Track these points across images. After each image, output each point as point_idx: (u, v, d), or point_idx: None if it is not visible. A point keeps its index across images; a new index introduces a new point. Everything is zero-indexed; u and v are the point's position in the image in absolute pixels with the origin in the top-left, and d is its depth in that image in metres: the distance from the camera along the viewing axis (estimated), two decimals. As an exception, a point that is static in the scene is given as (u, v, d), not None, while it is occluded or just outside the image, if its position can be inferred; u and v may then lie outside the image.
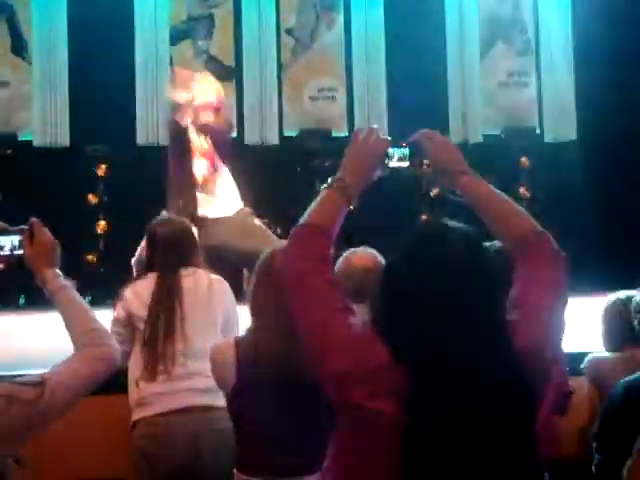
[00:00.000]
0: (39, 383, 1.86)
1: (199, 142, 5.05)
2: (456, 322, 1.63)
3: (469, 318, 1.64)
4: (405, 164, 2.01)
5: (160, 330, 3.30)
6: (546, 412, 1.70)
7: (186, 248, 3.57)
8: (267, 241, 4.59)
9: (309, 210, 1.89)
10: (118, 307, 3.45)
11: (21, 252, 2.12)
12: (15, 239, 2.11)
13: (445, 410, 1.58)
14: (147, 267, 3.56)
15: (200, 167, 5.01)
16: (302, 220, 1.88)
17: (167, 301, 3.35)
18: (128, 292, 3.45)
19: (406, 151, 2.01)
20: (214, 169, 5.07)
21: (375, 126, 2.04)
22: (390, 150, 2.00)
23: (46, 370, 1.96)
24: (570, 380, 2.73)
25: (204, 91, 5.16)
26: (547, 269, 1.84)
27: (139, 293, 3.42)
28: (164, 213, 3.95)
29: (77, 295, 2.12)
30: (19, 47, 8.51)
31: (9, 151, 8.30)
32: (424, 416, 1.58)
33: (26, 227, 2.13)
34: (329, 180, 1.92)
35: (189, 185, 4.94)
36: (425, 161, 2.01)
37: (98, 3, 8.11)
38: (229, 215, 5.04)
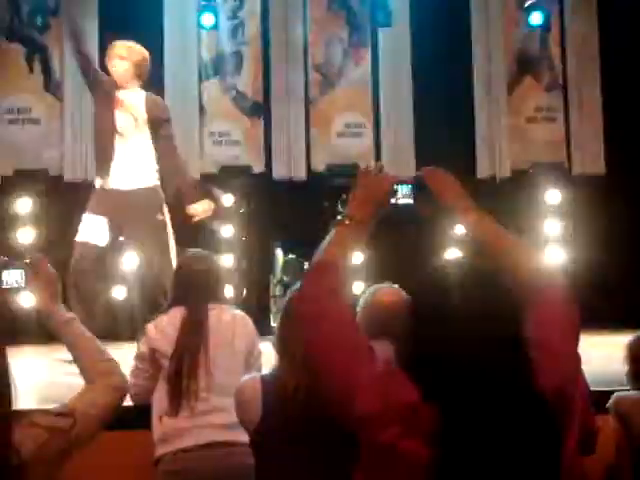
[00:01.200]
0: (69, 413, 1.89)
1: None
2: (485, 361, 1.62)
3: (498, 357, 1.63)
4: (410, 201, 2.02)
5: (184, 366, 3.30)
6: (571, 450, 1.68)
7: (214, 285, 3.59)
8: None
9: (321, 248, 1.90)
10: (142, 343, 3.46)
11: (24, 286, 2.14)
12: (18, 273, 2.13)
13: (476, 449, 1.57)
14: (173, 301, 3.58)
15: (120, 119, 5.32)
16: (315, 258, 1.88)
17: (193, 337, 3.36)
18: (152, 328, 3.47)
19: (410, 188, 2.02)
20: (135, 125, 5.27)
21: (380, 163, 2.06)
22: (395, 187, 2.01)
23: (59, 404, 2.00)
24: (596, 418, 2.69)
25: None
26: (562, 316, 1.83)
27: (163, 329, 3.43)
28: (191, 250, 3.98)
29: (82, 327, 2.15)
30: (51, 85, 8.64)
31: (39, 186, 8.40)
32: (456, 455, 1.57)
33: (28, 261, 2.15)
34: (339, 217, 1.93)
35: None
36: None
37: (128, 39, 8.22)
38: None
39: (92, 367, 2.05)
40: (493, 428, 1.59)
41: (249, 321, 3.59)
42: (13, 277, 2.11)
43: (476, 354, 1.63)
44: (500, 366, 1.63)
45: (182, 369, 3.30)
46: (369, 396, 1.65)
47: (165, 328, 3.43)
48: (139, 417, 3.52)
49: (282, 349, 2.72)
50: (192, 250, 3.90)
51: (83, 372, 2.07)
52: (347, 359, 1.72)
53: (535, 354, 1.71)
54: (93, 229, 5.16)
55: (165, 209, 5.38)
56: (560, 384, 1.68)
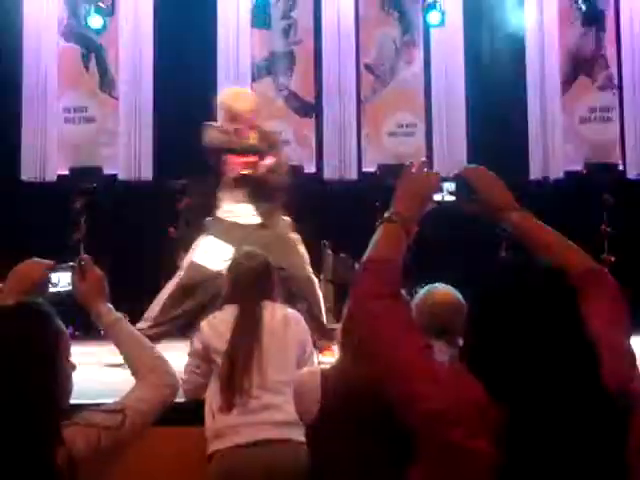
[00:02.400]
0: (120, 410, 1.93)
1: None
2: (553, 359, 1.62)
3: (565, 354, 1.62)
4: (452, 198, 2.02)
5: (238, 363, 3.33)
6: (635, 450, 1.66)
7: (266, 282, 3.62)
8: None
9: (372, 245, 1.89)
10: (196, 340, 3.50)
11: (71, 288, 2.18)
12: (66, 276, 2.17)
13: (544, 449, 1.57)
14: (227, 299, 3.61)
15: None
16: (367, 256, 1.88)
17: (246, 335, 3.39)
18: (205, 325, 3.51)
19: (453, 185, 2.02)
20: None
21: (425, 160, 2.06)
22: (441, 184, 2.02)
23: (102, 401, 2.04)
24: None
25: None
26: (608, 305, 1.82)
27: (217, 326, 3.47)
28: (245, 247, 4.02)
29: (130, 327, 2.20)
30: (107, 84, 8.76)
31: (94, 185, 8.52)
32: (523, 455, 1.57)
33: (76, 264, 2.19)
34: (385, 214, 1.93)
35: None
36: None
37: (182, 41, 8.32)
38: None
39: (141, 365, 2.09)
40: (561, 428, 1.57)
41: (301, 319, 3.61)
42: (62, 279, 2.17)
43: (542, 352, 1.62)
44: (567, 362, 1.61)
45: (236, 366, 3.33)
46: (435, 394, 1.64)
47: (218, 325, 3.47)
48: (192, 413, 3.56)
49: (345, 342, 2.72)
50: (246, 248, 3.93)
51: (133, 370, 2.10)
52: (408, 356, 1.72)
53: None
54: (213, 254, 5.20)
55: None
56: (622, 381, 1.67)
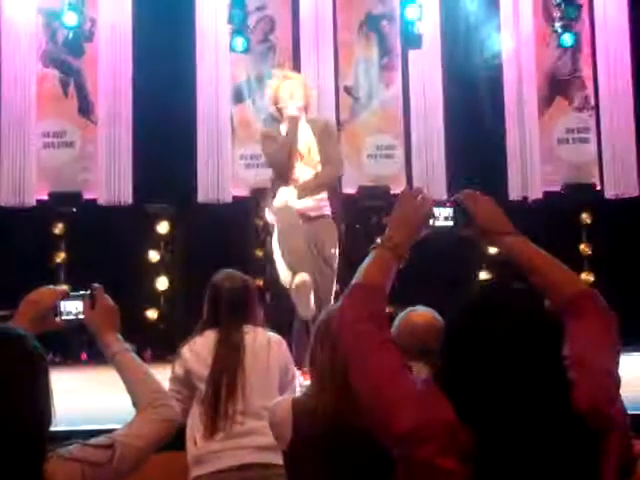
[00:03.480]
0: (109, 445, 1.88)
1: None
2: (521, 382, 1.63)
3: (534, 378, 1.64)
4: (450, 223, 2.03)
5: (222, 389, 3.31)
6: (611, 473, 1.67)
7: (246, 305, 3.60)
8: None
9: (361, 270, 1.92)
10: (177, 365, 3.48)
11: (82, 317, 2.17)
12: (78, 304, 2.17)
13: (511, 470, 1.58)
14: (207, 323, 3.58)
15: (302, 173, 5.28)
16: (355, 280, 1.90)
17: (229, 360, 3.36)
18: (186, 351, 3.48)
19: (450, 211, 2.03)
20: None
21: (420, 187, 2.07)
22: (435, 210, 2.02)
23: (114, 426, 2.00)
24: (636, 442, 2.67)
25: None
26: (598, 328, 1.84)
27: (198, 352, 3.45)
28: (225, 270, 3.98)
29: (137, 358, 2.17)
30: (86, 109, 8.76)
31: (74, 209, 8.50)
32: (491, 474, 1.58)
33: (87, 292, 2.18)
34: (378, 240, 1.95)
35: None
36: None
37: (162, 65, 8.33)
38: None
39: (142, 398, 2.06)
40: (530, 448, 1.59)
41: (283, 344, 3.60)
42: (72, 308, 2.16)
43: (512, 375, 1.63)
44: (537, 386, 1.63)
45: (219, 393, 3.31)
46: (407, 414, 1.67)
47: (200, 351, 3.45)
48: (175, 438, 3.53)
49: (311, 369, 2.75)
50: (225, 270, 3.90)
51: (135, 402, 2.08)
52: (388, 380, 1.74)
53: (573, 372, 1.71)
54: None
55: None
56: (598, 403, 1.68)
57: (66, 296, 2.18)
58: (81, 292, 2.19)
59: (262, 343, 3.47)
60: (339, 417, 2.53)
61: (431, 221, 2.02)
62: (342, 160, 5.67)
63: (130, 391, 2.10)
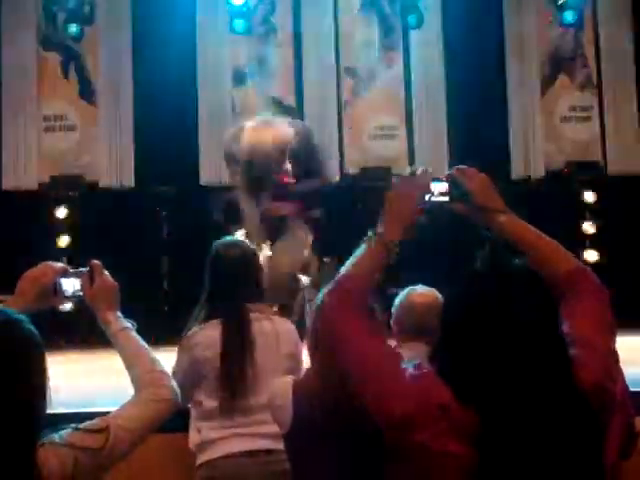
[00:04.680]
0: (103, 429, 1.84)
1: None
2: (521, 360, 1.63)
3: (535, 356, 1.63)
4: (446, 198, 2.03)
5: (232, 380, 3.24)
6: (614, 451, 1.67)
7: (251, 277, 3.47)
8: None
9: (350, 262, 1.93)
10: (182, 353, 3.39)
11: (81, 295, 2.14)
12: (76, 282, 2.13)
13: (516, 448, 1.58)
14: (211, 296, 3.47)
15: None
16: (344, 272, 1.91)
17: (239, 351, 3.28)
18: (192, 341, 3.38)
19: (445, 186, 2.02)
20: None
21: (415, 167, 2.07)
22: (431, 184, 2.02)
23: (114, 408, 1.98)
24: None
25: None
26: (595, 306, 1.84)
27: (204, 342, 3.35)
28: (226, 237, 3.78)
29: (137, 337, 2.13)
30: (87, 92, 8.74)
31: (76, 193, 8.49)
32: (495, 455, 1.58)
33: (86, 270, 2.15)
34: (370, 233, 1.95)
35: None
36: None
37: (162, 48, 8.30)
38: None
39: (140, 377, 2.03)
40: (533, 427, 1.58)
41: (292, 330, 3.50)
42: (71, 285, 2.13)
43: (512, 353, 1.63)
44: (539, 363, 1.63)
45: (230, 383, 3.25)
46: (402, 400, 1.67)
47: (205, 341, 3.36)
48: (176, 420, 3.51)
49: (311, 352, 2.71)
50: (225, 238, 3.72)
51: (133, 382, 2.05)
52: (374, 363, 1.76)
53: (574, 350, 1.71)
54: None
55: None
56: (600, 380, 1.68)
57: (65, 273, 2.14)
58: (80, 269, 2.16)
59: (269, 331, 3.37)
60: (340, 400, 2.51)
61: (427, 196, 2.02)
62: None
63: (129, 370, 2.07)
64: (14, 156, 8.55)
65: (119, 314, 2.14)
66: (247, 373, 3.25)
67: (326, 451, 2.54)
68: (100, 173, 8.63)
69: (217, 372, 3.29)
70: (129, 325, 2.13)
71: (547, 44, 9.14)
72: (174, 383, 2.09)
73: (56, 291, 2.12)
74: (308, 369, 2.75)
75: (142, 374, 2.04)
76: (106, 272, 2.16)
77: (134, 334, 2.13)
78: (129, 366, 2.08)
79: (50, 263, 2.16)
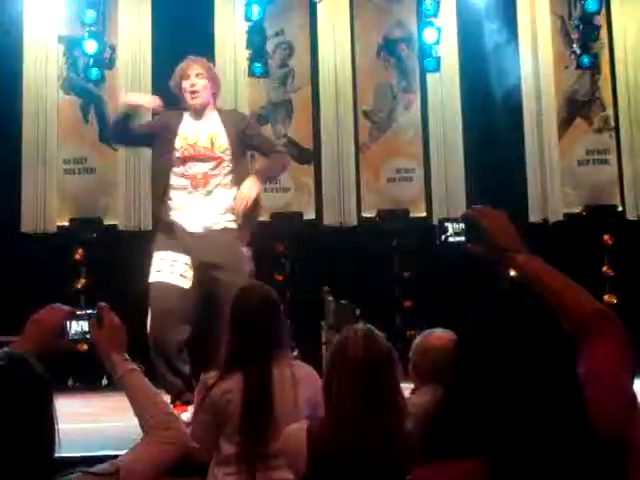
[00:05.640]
0: (112, 473, 1.83)
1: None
2: (536, 400, 1.60)
3: (550, 395, 1.61)
4: (461, 238, 2.00)
5: (253, 428, 3.20)
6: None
7: (275, 322, 3.41)
8: None
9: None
10: (201, 408, 3.35)
11: (89, 337, 2.13)
12: (84, 324, 2.13)
13: None
14: (231, 343, 3.39)
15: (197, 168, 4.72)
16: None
17: (259, 401, 3.23)
18: (213, 385, 3.33)
19: (461, 226, 2.00)
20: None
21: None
22: (446, 224, 2.00)
23: (124, 451, 1.96)
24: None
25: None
26: (615, 348, 1.81)
27: (225, 387, 3.31)
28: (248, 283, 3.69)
29: (145, 379, 2.11)
30: (106, 135, 8.81)
31: (94, 235, 8.54)
32: None
33: (94, 311, 2.14)
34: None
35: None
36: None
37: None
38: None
39: (149, 419, 2.01)
40: (547, 473, 1.55)
41: (313, 375, 3.43)
42: (79, 327, 2.12)
43: (526, 392, 1.60)
44: (553, 403, 1.60)
45: (249, 428, 3.21)
46: None
47: (227, 384, 3.31)
48: (190, 465, 3.49)
49: (329, 397, 2.67)
50: (249, 283, 3.60)
51: (141, 424, 2.04)
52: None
53: (589, 391, 1.68)
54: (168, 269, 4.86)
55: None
56: (615, 423, 1.65)
57: (72, 316, 2.14)
58: (88, 311, 2.15)
59: (289, 378, 3.31)
60: (357, 447, 2.47)
61: (442, 237, 1.99)
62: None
63: (137, 412, 2.05)
64: (34, 198, 8.62)
65: (126, 356, 2.13)
66: (267, 421, 3.21)
67: None
68: (118, 215, 8.68)
69: (237, 418, 3.26)
70: (136, 367, 2.11)
71: (564, 87, 9.17)
72: (183, 425, 2.07)
73: (63, 334, 2.12)
74: (322, 417, 2.70)
75: (150, 416, 2.02)
76: (113, 314, 2.15)
77: (141, 376, 2.11)
78: (137, 408, 2.06)
79: (57, 305, 2.16)
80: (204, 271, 4.63)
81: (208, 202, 4.73)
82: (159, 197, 4.81)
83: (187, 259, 4.71)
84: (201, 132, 4.80)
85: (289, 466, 2.68)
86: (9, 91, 8.55)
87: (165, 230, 4.80)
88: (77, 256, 8.35)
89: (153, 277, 4.76)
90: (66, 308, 2.14)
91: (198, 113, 4.85)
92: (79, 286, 8.25)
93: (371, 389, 2.49)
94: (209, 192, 4.74)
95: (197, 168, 4.71)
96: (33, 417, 1.67)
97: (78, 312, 2.14)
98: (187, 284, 4.70)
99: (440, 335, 2.99)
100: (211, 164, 4.74)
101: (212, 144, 4.78)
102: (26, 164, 8.67)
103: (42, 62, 8.76)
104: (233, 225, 4.73)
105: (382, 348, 2.58)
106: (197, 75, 4.91)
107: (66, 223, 8.65)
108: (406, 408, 2.54)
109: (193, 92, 4.84)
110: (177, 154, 4.73)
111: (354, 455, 2.46)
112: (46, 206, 8.62)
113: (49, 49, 8.80)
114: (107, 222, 8.70)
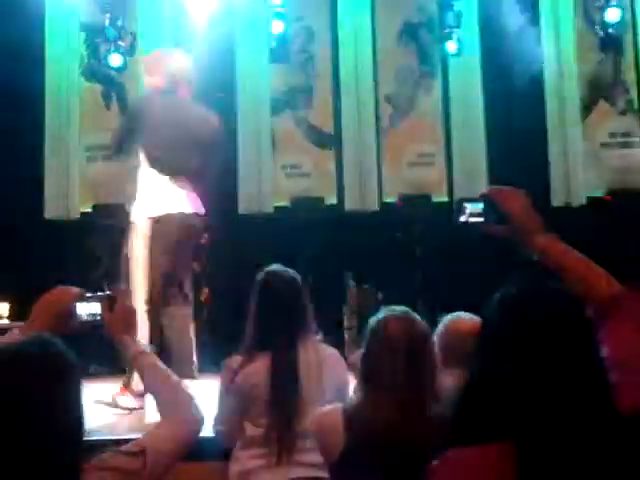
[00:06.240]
0: (140, 452, 1.86)
1: None
2: (560, 384, 1.59)
3: (573, 381, 1.60)
4: (480, 219, 1.97)
5: (280, 411, 3.21)
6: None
7: (301, 305, 3.40)
8: None
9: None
10: (226, 391, 3.36)
11: (99, 319, 2.14)
12: (95, 306, 2.12)
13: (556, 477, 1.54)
14: (258, 325, 3.36)
15: None
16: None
17: (286, 384, 3.24)
18: (239, 368, 3.33)
19: (481, 206, 1.97)
20: None
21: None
22: (465, 204, 1.97)
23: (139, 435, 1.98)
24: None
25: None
26: (635, 329, 1.80)
27: (251, 370, 3.31)
28: (274, 265, 3.59)
29: (157, 360, 2.13)
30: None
31: (117, 221, 8.56)
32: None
33: (106, 294, 2.14)
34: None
35: None
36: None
37: (202, 78, 8.37)
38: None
39: (166, 400, 2.04)
40: (574, 453, 1.54)
41: (338, 359, 3.43)
42: (90, 310, 2.12)
43: (550, 376, 1.60)
44: (578, 388, 1.59)
45: (276, 410, 3.21)
46: None
47: (253, 367, 3.31)
48: (214, 448, 3.50)
49: (368, 377, 2.66)
50: (272, 267, 3.53)
51: (157, 405, 2.05)
52: None
53: (613, 375, 1.67)
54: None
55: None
56: None
57: (82, 297, 2.14)
58: (99, 293, 2.15)
59: (314, 362, 3.31)
60: (395, 428, 2.47)
61: (462, 217, 1.97)
62: None
63: (153, 393, 2.07)
64: (57, 186, 8.67)
65: (137, 338, 2.13)
66: (294, 402, 3.22)
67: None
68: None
69: (263, 401, 3.26)
70: (148, 349, 2.12)
71: (587, 69, 9.09)
72: (197, 404, 2.09)
73: (73, 316, 2.12)
74: (358, 398, 2.70)
75: (167, 397, 2.04)
76: (125, 297, 2.16)
77: (154, 357, 2.13)
78: (153, 389, 2.08)
79: (67, 287, 2.16)
80: None
81: None
82: None
83: None
84: None
85: (322, 448, 2.67)
86: (31, 80, 8.58)
87: None
88: (100, 243, 8.38)
89: None
90: (75, 289, 2.15)
91: None
92: (102, 273, 8.29)
93: (410, 369, 2.49)
94: None
95: None
96: (62, 400, 1.69)
97: (88, 294, 2.14)
98: None
99: (466, 320, 2.99)
100: None
101: None
102: (49, 151, 8.71)
103: (64, 50, 8.78)
104: None
105: (421, 329, 2.60)
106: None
107: (89, 210, 8.69)
108: (440, 389, 2.55)
109: None
110: None
111: (393, 435, 2.46)
112: (69, 193, 8.67)
113: (71, 36, 8.82)
114: (130, 209, 8.70)
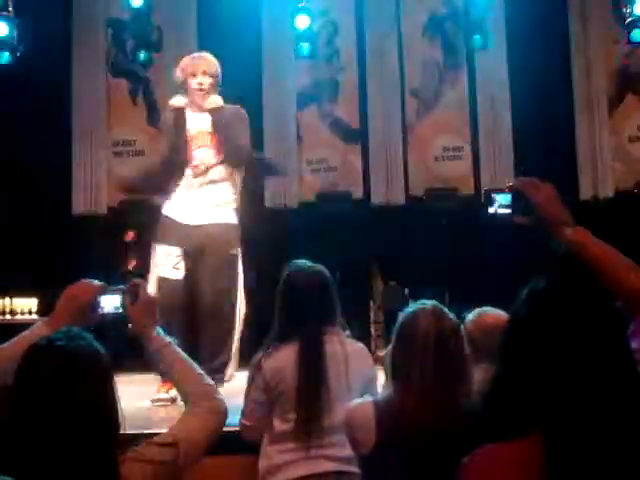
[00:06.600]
0: (173, 443, 1.88)
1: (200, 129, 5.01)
2: (590, 377, 1.58)
3: (604, 374, 1.59)
4: (508, 211, 1.96)
5: (308, 405, 3.21)
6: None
7: (329, 298, 3.40)
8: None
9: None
10: (256, 376, 3.36)
11: (121, 311, 2.15)
12: (116, 299, 2.15)
13: (586, 470, 1.53)
14: (285, 319, 3.40)
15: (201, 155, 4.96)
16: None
17: (314, 376, 3.23)
18: (267, 361, 3.34)
19: (509, 197, 1.96)
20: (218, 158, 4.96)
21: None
22: (493, 195, 1.96)
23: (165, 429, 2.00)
24: None
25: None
26: None
27: (278, 364, 3.32)
28: (299, 261, 3.50)
29: (180, 352, 2.14)
30: (154, 117, 8.87)
31: (144, 217, 8.61)
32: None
33: (127, 287, 2.16)
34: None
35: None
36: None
37: (228, 72, 8.38)
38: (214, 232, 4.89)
39: (190, 391, 2.06)
40: (603, 445, 1.53)
41: (364, 353, 3.43)
42: (111, 302, 2.14)
43: (579, 369, 1.59)
44: (608, 381, 1.58)
45: (304, 404, 3.21)
46: None
47: (281, 361, 3.32)
48: (243, 442, 3.51)
49: (398, 372, 2.65)
50: (299, 262, 3.46)
51: (182, 396, 2.08)
52: None
53: None
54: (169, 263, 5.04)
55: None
56: None
57: (105, 291, 2.16)
58: (120, 286, 2.17)
59: (340, 353, 3.31)
60: (426, 424, 2.46)
61: (490, 209, 1.96)
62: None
63: (177, 385, 2.09)
64: (84, 181, 8.73)
65: (160, 330, 2.15)
66: (322, 396, 3.22)
67: (409, 474, 2.50)
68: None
69: (291, 395, 3.27)
70: (170, 340, 2.14)
71: (614, 62, 9.01)
72: (222, 395, 2.10)
73: (95, 308, 2.14)
74: (389, 393, 2.69)
75: (193, 388, 2.06)
76: (146, 290, 2.18)
77: (177, 349, 2.14)
78: (177, 381, 2.10)
79: (89, 280, 2.19)
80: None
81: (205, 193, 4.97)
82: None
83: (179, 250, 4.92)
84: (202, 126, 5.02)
85: (352, 442, 2.67)
86: (59, 76, 8.64)
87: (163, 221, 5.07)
88: (128, 238, 8.43)
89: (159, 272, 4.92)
90: (97, 283, 2.17)
91: (199, 107, 5.04)
92: (130, 268, 8.34)
93: (440, 364, 2.49)
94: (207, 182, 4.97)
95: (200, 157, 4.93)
96: (97, 394, 1.72)
97: (110, 287, 2.16)
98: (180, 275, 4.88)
99: (495, 315, 2.97)
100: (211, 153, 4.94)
101: (209, 138, 5.01)
102: (76, 147, 8.77)
103: (91, 46, 8.83)
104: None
105: (451, 323, 2.59)
106: (204, 73, 5.11)
107: (116, 205, 8.74)
108: (472, 384, 2.54)
109: (201, 90, 5.07)
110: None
111: (424, 431, 2.45)
112: (97, 188, 8.73)
113: (97, 31, 8.87)
114: (157, 203, 8.74)
